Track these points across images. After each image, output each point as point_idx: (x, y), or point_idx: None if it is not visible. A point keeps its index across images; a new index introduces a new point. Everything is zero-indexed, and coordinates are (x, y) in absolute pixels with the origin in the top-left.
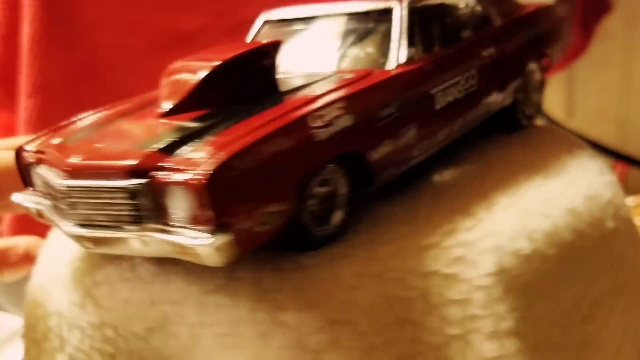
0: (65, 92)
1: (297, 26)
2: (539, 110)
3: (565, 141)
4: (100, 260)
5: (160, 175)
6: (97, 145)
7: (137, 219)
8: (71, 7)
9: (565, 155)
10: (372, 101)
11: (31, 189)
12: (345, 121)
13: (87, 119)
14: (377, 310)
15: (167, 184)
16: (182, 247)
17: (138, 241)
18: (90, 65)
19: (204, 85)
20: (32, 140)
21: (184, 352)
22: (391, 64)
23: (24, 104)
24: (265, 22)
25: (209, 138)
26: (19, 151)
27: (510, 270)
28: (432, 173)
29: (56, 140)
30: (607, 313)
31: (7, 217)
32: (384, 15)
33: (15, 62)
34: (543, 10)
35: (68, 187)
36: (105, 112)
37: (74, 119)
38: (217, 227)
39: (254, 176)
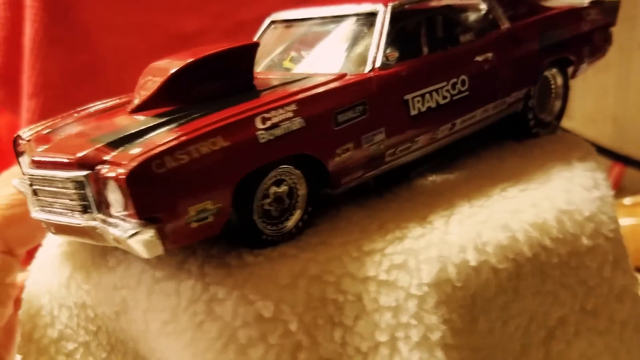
0: (66, 92)
1: (294, 28)
2: (559, 118)
3: (570, 152)
4: (80, 245)
5: (102, 168)
6: (65, 137)
7: (85, 209)
8: (72, 8)
9: (559, 167)
10: (327, 105)
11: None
12: (295, 124)
13: (83, 112)
14: (309, 311)
15: (105, 178)
16: (117, 239)
17: (90, 230)
18: (91, 66)
19: (172, 82)
20: (31, 129)
21: (142, 336)
22: (367, 68)
23: (26, 105)
24: (272, 22)
25: (158, 134)
26: (16, 138)
27: (452, 281)
28: (413, 178)
29: (46, 131)
30: (575, 332)
31: None
32: (370, 18)
33: (18, 63)
34: (569, 14)
35: (31, 175)
36: (98, 106)
37: (73, 111)
38: (145, 220)
39: (185, 173)
